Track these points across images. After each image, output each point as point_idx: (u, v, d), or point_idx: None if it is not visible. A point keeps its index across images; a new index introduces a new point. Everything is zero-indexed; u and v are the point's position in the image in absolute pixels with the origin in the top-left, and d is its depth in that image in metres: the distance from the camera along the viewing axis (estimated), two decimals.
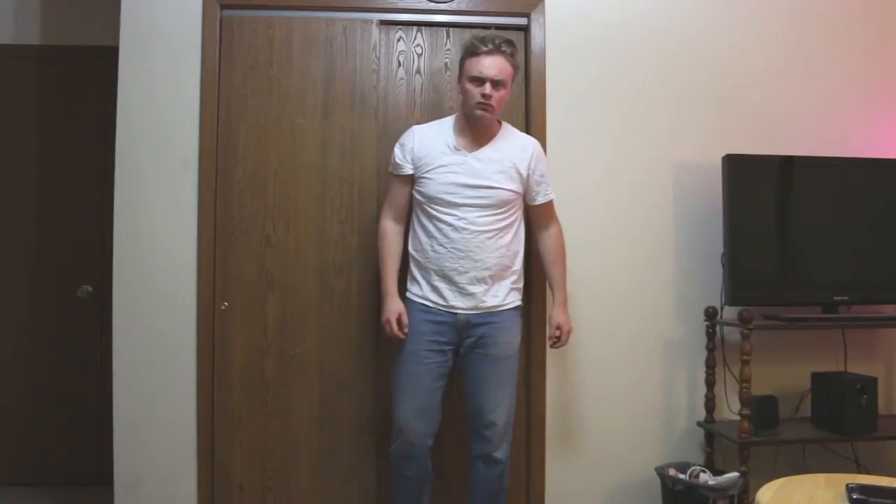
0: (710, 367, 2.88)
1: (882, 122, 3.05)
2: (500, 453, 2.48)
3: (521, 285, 2.57)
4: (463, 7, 2.87)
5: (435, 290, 2.47)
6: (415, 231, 2.54)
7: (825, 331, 2.95)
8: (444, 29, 2.90)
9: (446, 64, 2.89)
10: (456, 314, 2.46)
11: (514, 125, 2.86)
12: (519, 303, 2.57)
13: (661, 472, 2.71)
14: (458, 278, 2.44)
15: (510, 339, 2.52)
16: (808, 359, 2.96)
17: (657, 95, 2.95)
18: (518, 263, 2.55)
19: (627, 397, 2.92)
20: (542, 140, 2.86)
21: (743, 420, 2.62)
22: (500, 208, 2.47)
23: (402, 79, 2.88)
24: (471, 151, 2.48)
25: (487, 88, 2.38)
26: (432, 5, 2.87)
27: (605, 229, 2.92)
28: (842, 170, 2.88)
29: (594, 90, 2.93)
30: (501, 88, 2.42)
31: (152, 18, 2.78)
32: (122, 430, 2.74)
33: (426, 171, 2.47)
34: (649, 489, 2.86)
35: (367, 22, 2.85)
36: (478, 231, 2.43)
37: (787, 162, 2.84)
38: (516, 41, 2.90)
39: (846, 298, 2.82)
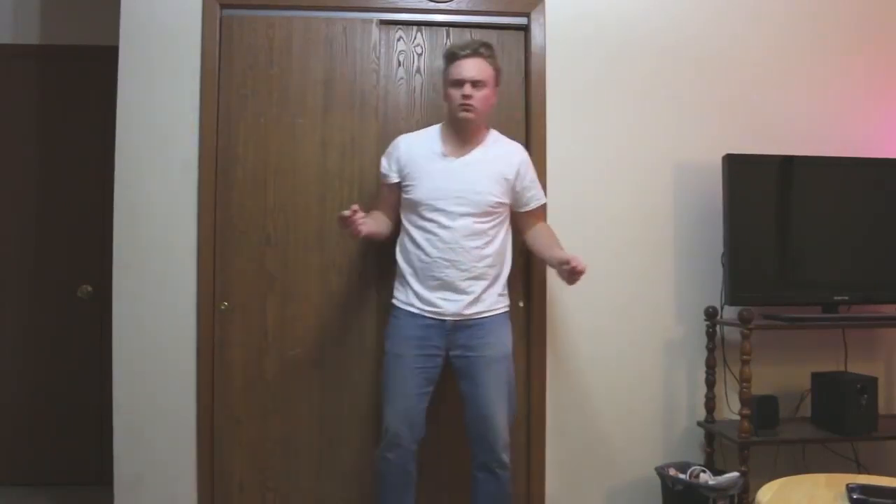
0: (711, 366, 2.88)
1: (882, 122, 3.05)
2: (506, 456, 2.43)
3: (507, 293, 2.56)
4: (463, 7, 2.87)
5: (419, 296, 2.44)
6: (402, 238, 2.52)
7: (825, 331, 2.95)
8: (444, 29, 2.90)
9: None
10: (444, 320, 2.44)
11: (514, 125, 2.87)
12: (506, 309, 2.55)
13: (661, 472, 2.71)
14: (446, 284, 2.42)
15: (500, 340, 2.49)
16: (808, 359, 2.96)
17: (657, 95, 2.95)
18: (505, 272, 2.54)
19: (627, 397, 2.92)
20: (542, 140, 2.87)
21: (743, 420, 2.62)
22: (486, 214, 2.45)
23: (401, 78, 2.88)
24: (457, 157, 2.47)
25: (467, 89, 2.39)
26: (432, 5, 2.87)
27: (605, 229, 2.91)
28: (842, 170, 2.88)
29: (594, 90, 2.93)
30: (483, 88, 2.42)
31: (152, 18, 2.78)
32: (122, 430, 2.74)
33: (413, 178, 2.46)
34: (649, 489, 2.86)
35: (367, 22, 2.85)
36: (464, 236, 2.41)
37: (787, 162, 2.84)
38: (516, 41, 2.92)
39: (846, 298, 2.82)
